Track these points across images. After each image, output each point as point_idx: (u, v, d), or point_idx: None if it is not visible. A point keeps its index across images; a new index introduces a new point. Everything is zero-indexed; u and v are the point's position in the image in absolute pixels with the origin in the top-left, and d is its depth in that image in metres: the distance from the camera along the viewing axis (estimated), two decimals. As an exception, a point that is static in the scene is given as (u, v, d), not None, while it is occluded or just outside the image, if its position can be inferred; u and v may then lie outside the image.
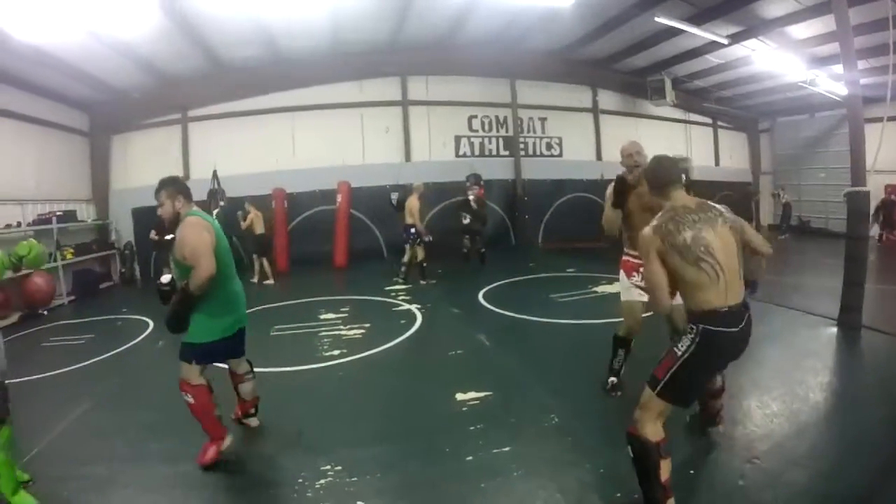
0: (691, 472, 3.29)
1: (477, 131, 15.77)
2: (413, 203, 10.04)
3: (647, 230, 2.70)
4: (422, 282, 10.03)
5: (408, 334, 6.79)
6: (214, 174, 12.10)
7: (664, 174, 2.86)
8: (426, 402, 4.66)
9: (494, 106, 15.83)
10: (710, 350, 2.60)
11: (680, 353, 2.60)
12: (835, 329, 6.39)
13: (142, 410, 4.62)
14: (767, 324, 6.60)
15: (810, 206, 19.16)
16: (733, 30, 12.20)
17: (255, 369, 4.10)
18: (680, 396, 2.70)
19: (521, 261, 12.52)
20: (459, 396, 4.59)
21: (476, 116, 15.74)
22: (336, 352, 6.09)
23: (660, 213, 2.76)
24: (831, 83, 14.31)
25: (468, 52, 14.18)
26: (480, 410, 4.35)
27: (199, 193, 12.03)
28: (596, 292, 8.91)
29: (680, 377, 2.60)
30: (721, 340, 2.59)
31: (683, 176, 2.99)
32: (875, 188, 6.74)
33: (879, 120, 7.46)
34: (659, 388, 2.63)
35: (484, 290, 9.19)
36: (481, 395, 4.63)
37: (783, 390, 4.57)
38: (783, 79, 15.30)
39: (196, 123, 13.69)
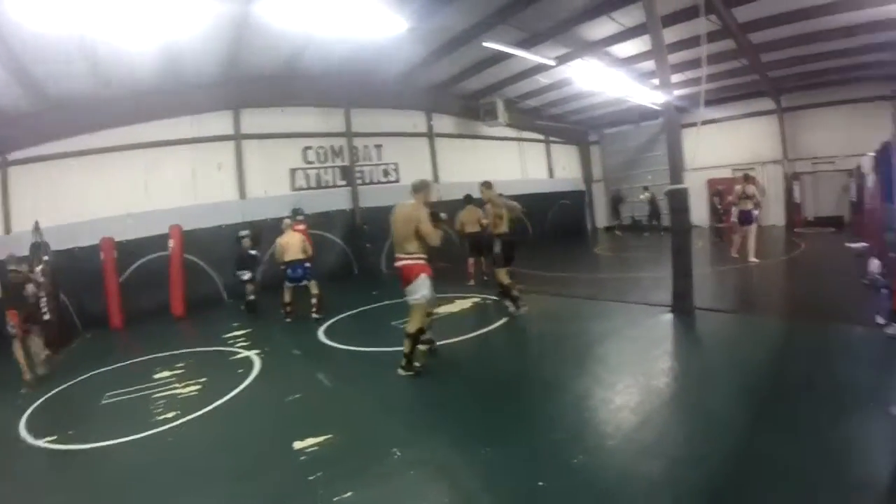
0: (540, 483, 3.41)
1: (313, 163, 15.93)
2: (295, 238, 10.14)
3: None
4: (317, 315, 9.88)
5: (245, 384, 6.65)
6: (36, 226, 11.13)
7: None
8: (261, 456, 4.53)
9: (330, 136, 16.11)
10: None
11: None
12: (670, 315, 7.09)
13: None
14: (607, 320, 7.27)
15: (641, 206, 21.45)
16: (561, 52, 13.43)
17: (88, 446, 3.88)
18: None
19: (365, 290, 12.68)
20: (297, 444, 4.53)
21: (311, 147, 15.89)
22: (171, 414, 5.80)
23: None
24: (654, 95, 15.93)
25: (303, 83, 14.36)
26: (320, 456, 4.32)
27: (23, 248, 10.93)
28: (439, 314, 9.31)
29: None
30: None
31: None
32: (698, 184, 7.99)
33: (695, 124, 8.77)
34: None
35: (325, 325, 9.38)
36: (320, 439, 4.59)
37: (627, 382, 4.85)
38: (609, 94, 17.06)
39: (17, 168, 12.01)
